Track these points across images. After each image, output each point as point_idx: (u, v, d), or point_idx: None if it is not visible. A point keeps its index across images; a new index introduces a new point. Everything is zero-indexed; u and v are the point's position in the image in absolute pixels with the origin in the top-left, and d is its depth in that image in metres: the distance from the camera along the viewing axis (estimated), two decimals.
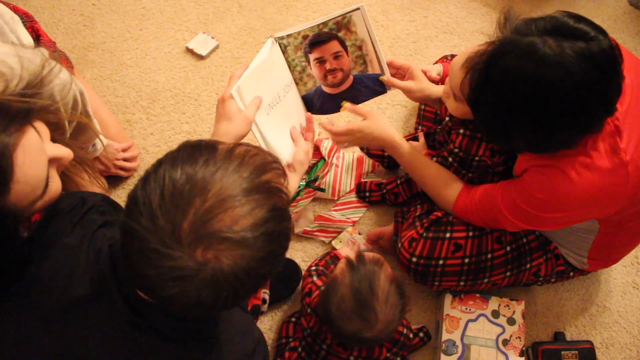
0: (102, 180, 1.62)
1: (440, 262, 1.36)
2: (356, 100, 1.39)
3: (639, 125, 1.10)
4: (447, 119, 1.41)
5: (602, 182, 1.11)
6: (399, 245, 1.41)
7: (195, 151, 0.77)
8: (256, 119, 1.21)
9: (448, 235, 1.36)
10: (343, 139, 1.41)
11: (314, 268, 1.41)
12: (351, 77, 1.34)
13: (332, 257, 1.47)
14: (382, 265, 1.21)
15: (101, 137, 1.52)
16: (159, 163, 0.77)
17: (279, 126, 1.30)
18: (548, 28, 1.01)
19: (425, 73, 1.49)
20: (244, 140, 1.11)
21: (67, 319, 0.86)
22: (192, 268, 0.71)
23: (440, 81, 1.52)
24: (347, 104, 1.38)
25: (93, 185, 1.29)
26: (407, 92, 1.42)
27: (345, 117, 1.83)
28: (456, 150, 1.36)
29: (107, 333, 0.85)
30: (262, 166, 0.79)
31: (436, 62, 1.68)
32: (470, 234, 1.36)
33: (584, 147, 1.11)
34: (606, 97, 1.03)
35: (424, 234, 1.37)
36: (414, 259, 1.37)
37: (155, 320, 0.85)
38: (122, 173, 1.68)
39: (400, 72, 1.44)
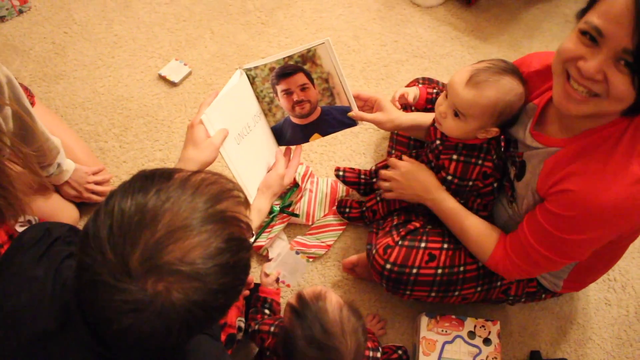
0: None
1: (414, 270, 1.36)
2: (325, 132, 1.39)
3: None
4: (437, 142, 1.38)
5: (631, 192, 1.06)
6: (374, 252, 1.40)
7: (147, 181, 0.76)
8: (227, 149, 1.20)
9: (423, 245, 1.37)
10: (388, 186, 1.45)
11: (255, 324, 1.38)
12: (319, 109, 1.34)
13: (262, 300, 1.44)
14: (325, 297, 1.16)
15: (62, 155, 1.50)
16: (111, 194, 0.75)
17: (250, 157, 1.30)
18: None
19: (403, 95, 1.49)
20: (212, 168, 1.11)
21: (34, 354, 0.84)
22: (142, 301, 0.70)
23: (415, 105, 1.52)
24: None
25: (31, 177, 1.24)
26: (377, 124, 1.42)
27: (319, 142, 1.84)
28: (450, 177, 1.35)
29: None
30: (218, 195, 0.78)
31: (409, 85, 1.69)
32: (445, 245, 1.37)
33: (620, 155, 1.07)
34: None
35: (400, 242, 1.37)
36: (388, 266, 1.37)
37: (121, 351, 0.83)
38: (94, 198, 1.66)
39: (368, 104, 1.42)
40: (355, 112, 1.34)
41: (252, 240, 0.89)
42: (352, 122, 1.37)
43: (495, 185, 1.36)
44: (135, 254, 0.70)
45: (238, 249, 0.77)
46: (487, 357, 1.43)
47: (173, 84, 1.93)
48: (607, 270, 1.42)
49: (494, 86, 1.22)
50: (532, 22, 2.23)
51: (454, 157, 1.34)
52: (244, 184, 1.25)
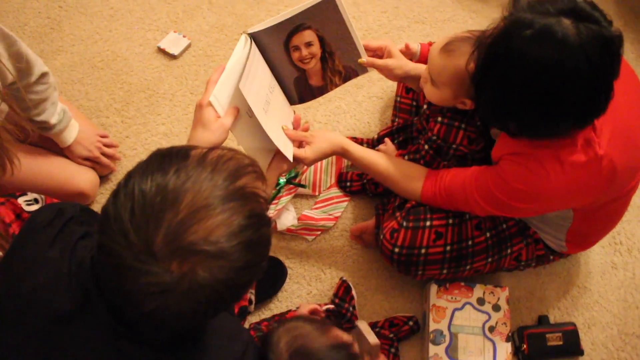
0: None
1: (423, 250, 1.37)
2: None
3: (610, 119, 1.11)
4: (425, 106, 1.42)
5: (578, 176, 1.12)
6: (381, 237, 1.41)
7: (165, 160, 0.75)
8: (259, 119, 1.17)
9: (428, 223, 1.37)
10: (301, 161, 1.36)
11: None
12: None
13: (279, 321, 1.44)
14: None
15: (60, 105, 1.47)
16: (129, 175, 0.75)
17: (274, 126, 1.28)
18: (564, 9, 0.98)
19: (407, 45, 1.50)
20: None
21: (53, 336, 0.84)
22: (168, 282, 0.69)
23: (414, 61, 1.51)
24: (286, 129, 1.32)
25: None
26: (387, 70, 1.40)
27: (323, 112, 1.83)
28: (434, 137, 1.37)
29: (96, 347, 0.84)
30: (237, 171, 0.77)
31: None
32: (450, 221, 1.37)
33: (563, 139, 1.11)
34: (611, 85, 1.02)
35: (404, 224, 1.38)
36: (397, 250, 1.38)
37: (143, 330, 0.84)
38: (104, 160, 1.62)
39: (377, 54, 1.43)
40: (365, 58, 1.34)
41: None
42: (363, 69, 1.38)
43: (488, 151, 1.35)
44: (159, 235, 0.69)
45: (260, 225, 0.77)
46: (497, 322, 1.45)
47: (173, 57, 1.90)
48: (610, 229, 1.43)
49: (465, 56, 1.20)
50: None
51: (439, 119, 1.36)
52: (281, 148, 1.23)
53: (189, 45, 1.92)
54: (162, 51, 1.91)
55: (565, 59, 0.97)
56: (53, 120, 1.44)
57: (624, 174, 1.17)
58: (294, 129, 1.36)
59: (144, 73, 1.88)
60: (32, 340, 0.84)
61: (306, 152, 1.32)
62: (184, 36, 1.93)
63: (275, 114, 1.28)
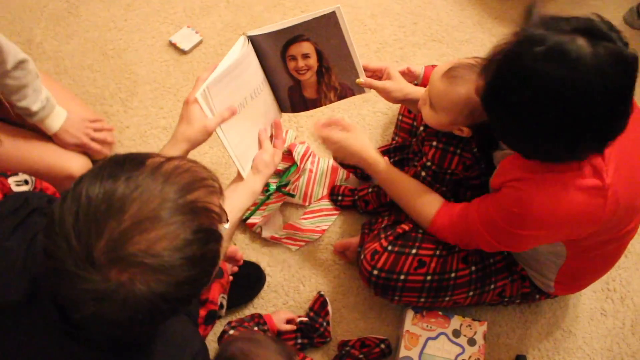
0: None
1: (402, 277, 1.34)
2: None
3: (616, 152, 1.07)
4: (421, 129, 1.39)
5: (582, 202, 1.08)
6: (362, 257, 1.39)
7: (118, 167, 0.74)
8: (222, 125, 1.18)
9: (414, 251, 1.34)
10: (322, 138, 1.37)
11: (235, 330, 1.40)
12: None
13: (261, 323, 1.45)
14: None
15: (46, 91, 1.46)
16: (81, 178, 0.74)
17: (245, 129, 1.28)
18: (580, 27, 0.94)
19: (409, 68, 1.46)
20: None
21: (1, 325, 0.85)
22: (104, 291, 0.69)
23: (419, 85, 1.48)
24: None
25: None
26: (385, 93, 1.37)
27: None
28: (429, 163, 1.34)
29: (39, 340, 0.84)
30: (190, 184, 0.76)
31: None
32: (438, 252, 1.34)
33: (569, 164, 1.07)
34: (628, 106, 0.98)
35: (389, 247, 1.35)
36: (375, 272, 1.35)
37: (84, 330, 0.83)
38: (94, 146, 1.57)
39: (376, 75, 1.40)
40: (363, 78, 1.32)
41: (225, 226, 0.87)
42: (360, 89, 1.36)
43: (483, 178, 1.33)
44: (99, 243, 0.69)
45: (207, 241, 0.76)
46: (470, 357, 1.41)
47: (183, 52, 1.91)
48: (602, 274, 1.39)
49: (467, 84, 1.18)
50: (560, 12, 2.13)
51: (434, 143, 1.32)
52: (235, 157, 1.23)
53: (200, 42, 1.93)
54: (173, 45, 1.92)
55: (578, 78, 0.92)
56: (34, 107, 1.43)
57: (625, 210, 1.13)
58: (274, 132, 1.37)
59: (153, 65, 1.88)
60: None
61: (339, 135, 1.34)
62: (196, 32, 1.93)
63: (246, 120, 1.27)
